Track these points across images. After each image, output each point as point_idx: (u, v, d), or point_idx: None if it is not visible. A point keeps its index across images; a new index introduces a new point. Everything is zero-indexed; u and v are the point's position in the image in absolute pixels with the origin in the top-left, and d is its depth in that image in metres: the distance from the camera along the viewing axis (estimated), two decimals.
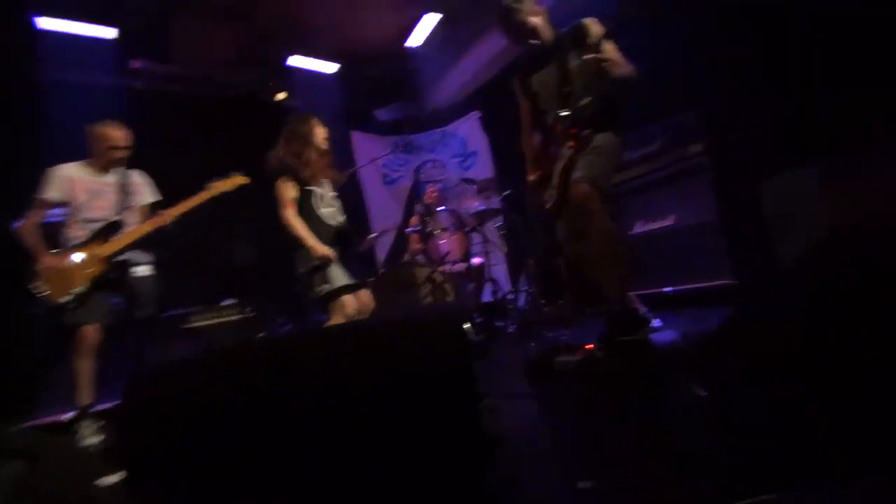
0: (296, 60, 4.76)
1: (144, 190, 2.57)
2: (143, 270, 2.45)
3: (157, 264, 2.60)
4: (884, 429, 0.76)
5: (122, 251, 2.35)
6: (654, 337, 1.79)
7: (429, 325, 0.77)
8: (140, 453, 0.67)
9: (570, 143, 1.93)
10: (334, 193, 2.43)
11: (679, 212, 2.94)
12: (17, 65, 3.70)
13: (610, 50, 1.95)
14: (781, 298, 1.09)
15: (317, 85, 4.95)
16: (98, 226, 2.34)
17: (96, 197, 2.39)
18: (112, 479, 1.41)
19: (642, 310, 1.98)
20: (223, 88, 4.78)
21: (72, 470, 1.88)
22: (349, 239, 2.41)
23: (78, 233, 2.32)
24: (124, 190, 2.46)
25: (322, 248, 2.19)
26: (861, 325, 0.89)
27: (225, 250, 4.33)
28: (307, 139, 2.29)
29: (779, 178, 2.54)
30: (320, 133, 2.35)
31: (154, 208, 2.54)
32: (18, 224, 2.30)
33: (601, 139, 1.95)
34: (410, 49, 4.99)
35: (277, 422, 0.70)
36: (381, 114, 5.66)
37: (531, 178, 2.21)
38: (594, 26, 1.95)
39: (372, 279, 3.52)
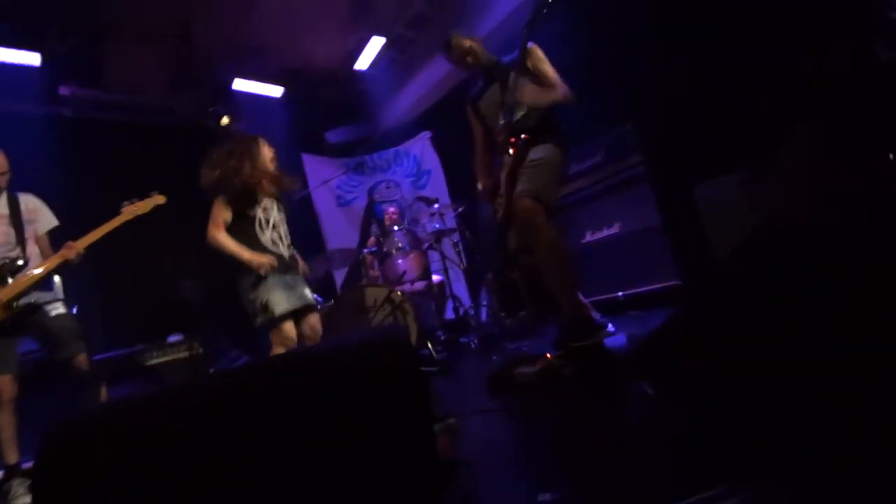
0: (239, 84, 4.66)
1: (41, 216, 2.31)
2: (56, 308, 2.21)
3: (98, 301, 2.41)
4: (821, 421, 0.80)
5: (24, 293, 2.09)
6: (608, 341, 1.85)
7: (377, 350, 0.76)
8: None
9: (511, 150, 1.99)
10: (281, 217, 2.25)
11: (624, 219, 3.08)
12: None
13: (548, 71, 2.06)
14: (715, 294, 1.16)
15: (263, 108, 4.86)
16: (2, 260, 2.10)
17: None
18: None
19: (596, 316, 2.04)
20: (161, 114, 4.59)
21: None
22: (297, 266, 2.25)
23: None
24: (17, 219, 2.20)
25: (259, 258, 2.01)
26: (786, 316, 0.96)
27: (170, 285, 4.10)
28: (252, 159, 2.13)
29: (709, 183, 2.74)
30: (266, 154, 2.21)
31: (54, 234, 2.32)
32: None
33: (541, 151, 2.01)
34: (358, 71, 5.02)
35: (216, 469, 0.66)
36: (332, 135, 5.62)
37: (480, 186, 2.27)
38: (535, 50, 2.07)
39: (330, 302, 3.44)
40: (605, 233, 3.16)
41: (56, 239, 2.34)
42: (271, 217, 2.17)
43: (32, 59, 3.57)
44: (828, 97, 2.19)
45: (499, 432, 1.36)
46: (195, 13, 3.87)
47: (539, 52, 2.09)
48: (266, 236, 2.12)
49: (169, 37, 3.95)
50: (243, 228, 2.09)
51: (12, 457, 2.00)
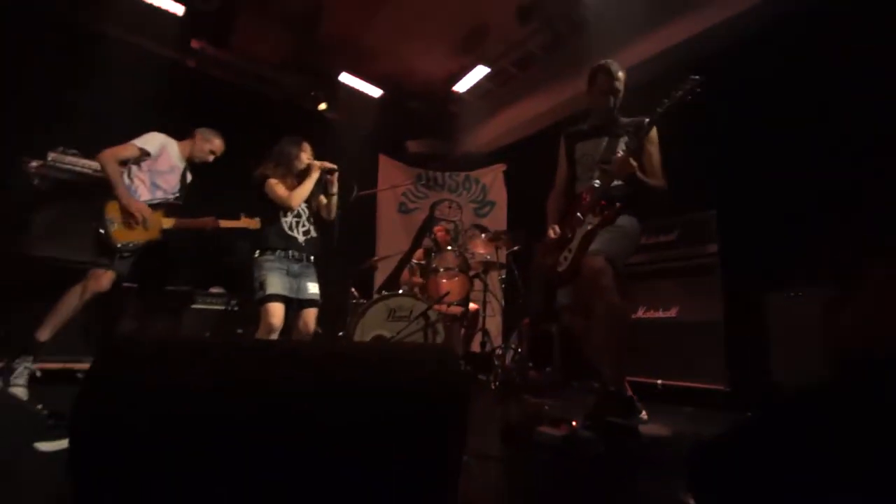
0: (345, 77, 4.93)
1: (186, 188, 2.79)
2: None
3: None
4: None
5: (174, 230, 2.55)
6: (642, 429, 1.72)
7: (435, 363, 0.73)
8: (93, 435, 0.62)
9: (598, 212, 1.96)
10: (307, 215, 2.52)
11: (685, 306, 2.92)
12: (80, 15, 3.86)
13: (656, 158, 2.03)
14: (776, 418, 1.05)
15: (359, 104, 5.10)
16: (165, 197, 2.58)
17: (171, 172, 2.62)
18: (51, 445, 1.31)
19: (634, 398, 1.92)
20: (270, 87, 4.92)
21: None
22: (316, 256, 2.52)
23: (143, 191, 2.50)
24: (184, 180, 2.70)
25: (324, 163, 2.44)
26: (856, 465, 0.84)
27: (228, 242, 4.30)
28: (290, 162, 2.44)
29: (785, 294, 2.55)
30: (304, 157, 2.48)
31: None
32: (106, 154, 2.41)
33: (624, 220, 2.00)
34: (455, 92, 5.17)
35: (239, 434, 0.65)
36: (413, 145, 5.79)
37: (551, 235, 2.18)
38: (654, 133, 2.04)
39: (364, 301, 3.46)
40: (661, 314, 3.01)
41: None
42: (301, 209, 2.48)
43: (177, 8, 3.96)
44: None
45: (508, 485, 1.28)
46: (327, 5, 4.17)
47: (655, 135, 2.06)
48: (288, 219, 2.42)
49: (298, 19, 4.26)
50: (272, 207, 2.39)
51: (46, 334, 2.19)
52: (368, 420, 0.67)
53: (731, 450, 0.86)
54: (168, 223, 2.54)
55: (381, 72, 4.94)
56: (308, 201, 2.50)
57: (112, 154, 2.39)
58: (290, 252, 2.36)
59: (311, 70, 4.74)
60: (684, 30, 3.63)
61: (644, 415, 2.01)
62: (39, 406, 1.72)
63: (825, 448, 0.78)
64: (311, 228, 2.51)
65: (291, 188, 2.39)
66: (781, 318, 2.54)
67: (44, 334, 2.18)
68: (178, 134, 2.81)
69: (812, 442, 0.79)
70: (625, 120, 2.11)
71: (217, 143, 2.77)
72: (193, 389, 0.73)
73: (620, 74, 2.10)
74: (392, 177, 5.29)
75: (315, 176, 2.42)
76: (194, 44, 4.40)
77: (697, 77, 1.80)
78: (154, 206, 2.51)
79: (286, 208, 2.37)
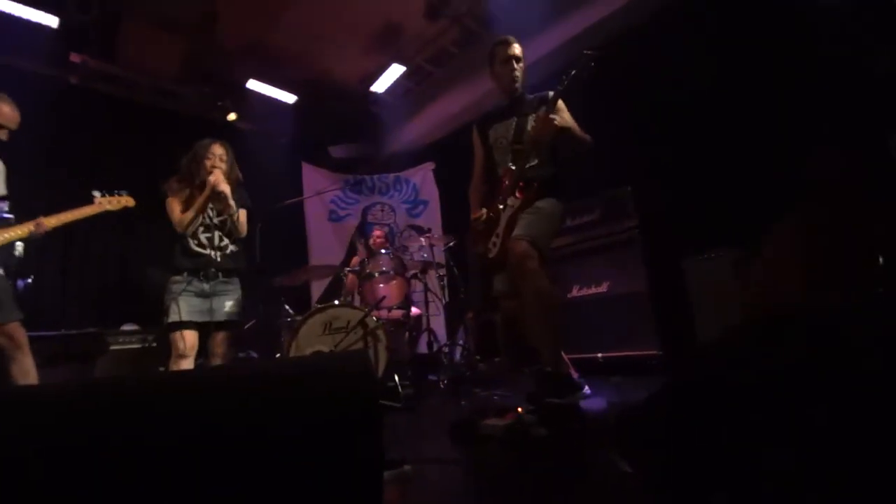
0: (254, 85, 4.66)
1: None
2: None
3: (56, 277, 2.26)
4: None
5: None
6: (584, 404, 1.75)
7: (333, 378, 0.66)
8: None
9: (518, 194, 1.96)
10: (218, 221, 2.26)
11: (613, 280, 3.05)
12: None
13: (567, 119, 2.06)
14: (700, 373, 1.09)
15: (273, 112, 4.85)
16: None
17: None
18: None
19: (574, 375, 1.95)
20: (169, 99, 4.54)
21: None
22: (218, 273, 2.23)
23: None
24: None
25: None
26: (774, 404, 0.88)
27: (135, 272, 3.92)
28: (195, 171, 2.21)
29: (698, 257, 2.74)
30: (208, 165, 2.22)
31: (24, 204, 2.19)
32: None
33: (545, 202, 2.00)
34: (373, 93, 5.07)
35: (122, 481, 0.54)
36: (336, 150, 5.61)
37: (474, 216, 2.15)
38: (561, 104, 2.06)
39: (299, 316, 3.28)
40: (593, 290, 3.12)
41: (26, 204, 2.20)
42: (206, 219, 2.24)
43: (51, 20, 3.53)
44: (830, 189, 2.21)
45: (456, 488, 1.24)
46: (225, 8, 3.90)
47: (562, 105, 2.08)
48: (198, 237, 2.20)
49: (191, 25, 3.96)
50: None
51: None
52: (267, 459, 0.59)
53: (650, 411, 0.87)
54: None
55: (292, 76, 4.73)
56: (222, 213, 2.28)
57: None
58: (202, 271, 2.16)
59: (214, 79, 4.43)
60: (589, 17, 3.80)
61: (587, 389, 2.06)
62: None
63: (729, 405, 0.80)
64: (229, 242, 2.29)
65: (193, 204, 2.19)
66: (699, 279, 2.72)
67: None
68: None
69: (716, 399, 0.81)
70: (529, 97, 2.12)
71: (5, 112, 2.07)
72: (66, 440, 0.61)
73: (517, 45, 2.10)
74: (317, 184, 5.08)
75: (207, 193, 2.18)
76: (74, 58, 3.96)
77: (591, 52, 1.84)
78: None
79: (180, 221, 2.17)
